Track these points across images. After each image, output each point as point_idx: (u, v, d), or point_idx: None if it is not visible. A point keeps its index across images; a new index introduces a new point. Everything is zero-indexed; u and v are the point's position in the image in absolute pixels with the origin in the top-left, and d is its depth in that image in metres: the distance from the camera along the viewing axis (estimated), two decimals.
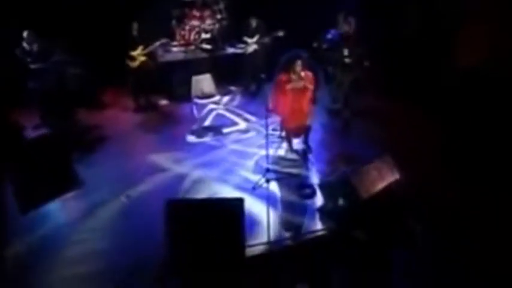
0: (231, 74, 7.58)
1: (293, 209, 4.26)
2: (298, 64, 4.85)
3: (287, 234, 3.92)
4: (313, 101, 5.19)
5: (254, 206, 4.27)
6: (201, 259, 3.44)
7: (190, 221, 3.40)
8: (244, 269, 3.48)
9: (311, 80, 4.96)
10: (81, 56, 6.50)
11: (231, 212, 3.43)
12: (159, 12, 7.05)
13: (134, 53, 6.55)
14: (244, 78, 7.48)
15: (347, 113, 6.20)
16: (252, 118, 6.36)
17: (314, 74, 5.06)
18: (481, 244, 3.79)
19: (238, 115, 6.53)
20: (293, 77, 4.91)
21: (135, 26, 6.43)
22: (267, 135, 4.41)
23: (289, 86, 4.91)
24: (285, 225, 4.04)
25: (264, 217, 4.02)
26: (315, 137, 5.52)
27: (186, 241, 3.42)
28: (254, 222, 4.04)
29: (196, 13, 7.78)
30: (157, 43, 6.73)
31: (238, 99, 7.21)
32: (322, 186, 4.28)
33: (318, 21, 6.67)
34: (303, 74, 4.88)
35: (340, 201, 4.04)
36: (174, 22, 7.72)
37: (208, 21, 7.85)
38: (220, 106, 6.75)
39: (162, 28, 7.18)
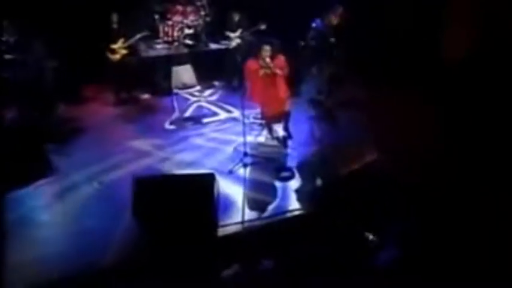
0: (214, 69, 7.55)
1: (270, 191, 4.19)
2: (266, 50, 4.83)
3: (262, 214, 3.84)
4: (290, 86, 5.16)
5: (230, 189, 4.20)
6: (172, 235, 3.36)
7: (159, 197, 3.32)
8: (216, 246, 3.40)
9: (282, 65, 4.94)
10: (60, 50, 6.43)
11: (202, 187, 3.36)
12: (140, 5, 7.02)
13: (115, 46, 6.52)
14: (227, 72, 7.46)
15: (330, 102, 6.20)
16: (233, 109, 6.32)
17: (287, 59, 5.04)
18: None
19: (219, 107, 6.48)
20: (262, 63, 4.89)
21: (114, 18, 6.40)
22: (243, 122, 4.37)
23: (259, 73, 4.89)
24: (261, 205, 3.96)
25: (240, 199, 3.94)
26: (298, 126, 5.48)
27: (156, 218, 3.34)
28: (229, 204, 3.98)
29: (180, 8, 7.78)
30: (138, 35, 6.69)
31: (220, 93, 7.17)
32: (300, 167, 4.24)
33: (303, 12, 6.67)
34: (268, 60, 4.84)
35: (318, 182, 3.99)
36: (157, 18, 7.70)
37: (192, 17, 7.86)
38: (202, 98, 6.71)
39: (144, 22, 7.13)
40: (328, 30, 6.15)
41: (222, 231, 3.49)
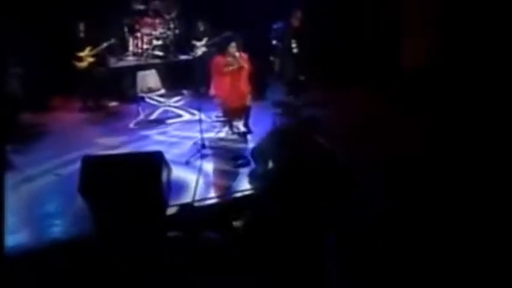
0: (183, 78, 7.77)
1: (224, 176, 4.30)
2: (232, 46, 5.11)
3: (213, 195, 3.94)
4: (251, 81, 5.39)
5: (185, 176, 4.30)
6: (120, 215, 3.41)
7: (106, 175, 3.40)
8: (165, 224, 3.46)
9: (246, 61, 5.20)
10: (27, 57, 6.57)
11: (149, 165, 3.46)
12: (107, 15, 7.26)
13: (82, 54, 6.70)
14: (194, 81, 7.67)
15: (297, 102, 6.43)
16: (198, 112, 6.47)
17: (250, 55, 5.30)
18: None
19: (184, 110, 6.64)
20: (228, 59, 5.14)
21: (81, 27, 6.61)
22: (199, 110, 4.53)
23: (226, 68, 5.13)
24: (213, 187, 4.07)
25: (193, 183, 4.05)
26: (260, 123, 5.61)
27: (103, 196, 3.40)
28: (182, 187, 4.06)
29: (148, 20, 8.07)
30: (105, 44, 6.89)
31: (187, 99, 7.35)
32: (253, 152, 4.38)
33: (268, 17, 7.00)
34: (237, 54, 5.10)
35: (270, 164, 4.11)
36: (126, 30, 7.96)
37: (160, 29, 8.14)
38: (168, 103, 6.86)
39: (111, 31, 7.35)
40: (289, 32, 6.44)
41: (171, 210, 3.54)
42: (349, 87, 7.09)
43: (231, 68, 5.13)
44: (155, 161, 3.44)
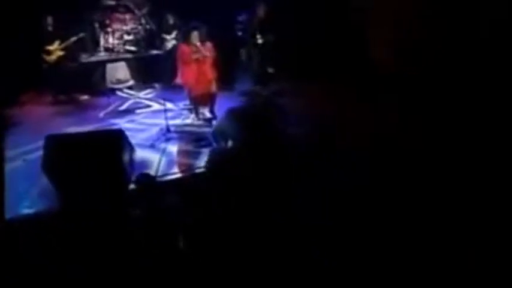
0: (153, 72, 7.97)
1: (186, 156, 4.56)
2: (195, 35, 5.38)
3: (175, 171, 4.19)
4: (216, 69, 5.66)
5: (150, 156, 4.54)
6: (83, 191, 3.61)
7: (69, 154, 3.59)
8: (126, 201, 3.67)
9: (210, 49, 5.48)
10: None
11: (110, 142, 3.67)
12: (77, 9, 7.41)
13: (50, 48, 6.84)
14: (165, 74, 7.89)
15: (264, 92, 6.71)
16: (167, 103, 6.70)
17: (215, 45, 5.58)
18: None
19: (154, 101, 6.85)
20: (192, 48, 5.39)
21: (49, 21, 6.76)
22: (164, 99, 4.77)
23: (191, 56, 5.40)
24: (175, 165, 4.32)
25: (156, 161, 4.28)
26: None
27: (67, 174, 3.59)
28: (146, 166, 4.30)
29: (119, 16, 8.25)
30: (75, 37, 7.06)
31: (158, 92, 7.57)
32: (214, 133, 4.63)
33: (233, 9, 7.27)
34: (198, 44, 5.37)
35: (229, 143, 4.37)
36: (96, 26, 8.12)
37: (131, 25, 8.33)
38: (137, 95, 7.07)
39: (81, 25, 7.51)
40: (254, 24, 6.74)
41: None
42: (316, 79, 7.41)
43: (194, 56, 5.40)
44: (115, 139, 3.66)
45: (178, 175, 4.12)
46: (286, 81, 7.34)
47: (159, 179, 3.97)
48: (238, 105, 4.56)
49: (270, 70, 7.33)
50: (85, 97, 7.42)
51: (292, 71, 7.70)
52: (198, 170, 4.19)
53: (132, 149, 4.08)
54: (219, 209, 3.63)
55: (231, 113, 4.32)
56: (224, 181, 3.88)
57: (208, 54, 5.49)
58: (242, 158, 4.09)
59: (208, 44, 5.54)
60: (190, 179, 4.05)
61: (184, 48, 5.53)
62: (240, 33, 7.07)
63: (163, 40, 7.75)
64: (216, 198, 3.74)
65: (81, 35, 7.19)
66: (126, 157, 3.79)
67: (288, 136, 4.49)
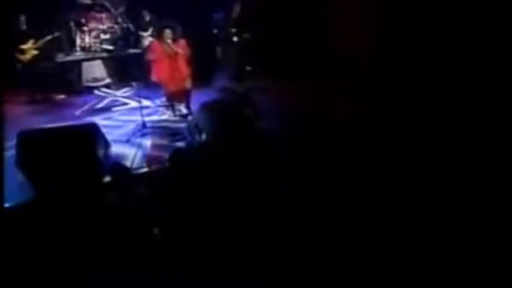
0: (131, 71, 8.02)
1: (161, 149, 4.66)
2: (167, 33, 5.51)
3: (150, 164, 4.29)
4: (191, 65, 5.77)
5: (126, 151, 4.64)
6: (58, 186, 3.68)
7: (42, 148, 3.65)
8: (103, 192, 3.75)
9: (183, 47, 5.60)
10: None
11: (84, 137, 3.75)
12: (51, 8, 7.42)
13: (24, 47, 6.84)
14: (143, 72, 7.95)
15: (240, 88, 6.84)
16: (144, 100, 6.78)
17: (189, 42, 5.71)
18: None
19: (131, 98, 6.92)
20: (165, 45, 5.51)
21: (22, 19, 6.75)
22: (140, 96, 4.85)
23: (163, 53, 5.50)
24: (150, 158, 4.42)
25: (132, 156, 4.37)
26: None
27: (40, 168, 3.65)
28: (122, 160, 4.38)
29: (95, 15, 8.27)
30: (49, 37, 7.06)
31: (135, 90, 7.62)
32: (188, 127, 4.74)
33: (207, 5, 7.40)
34: (169, 41, 5.49)
35: (203, 136, 4.49)
36: (72, 25, 8.12)
37: (108, 24, 8.36)
38: (115, 94, 7.12)
39: (57, 26, 7.52)
40: (229, 22, 6.88)
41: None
42: (291, 76, 7.58)
43: (166, 54, 5.52)
44: (89, 132, 3.74)
45: (152, 168, 4.21)
46: (263, 78, 7.51)
47: (133, 172, 4.06)
48: (211, 99, 4.65)
49: (248, 68, 7.49)
50: (61, 96, 7.43)
51: (269, 68, 7.89)
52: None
53: (107, 143, 4.17)
54: (190, 202, 3.73)
55: (204, 107, 4.45)
56: (194, 175, 3.99)
57: (180, 51, 5.61)
58: (212, 151, 4.22)
59: (182, 42, 5.67)
60: (162, 171, 4.14)
61: (156, 46, 5.67)
62: (215, 31, 7.19)
63: (140, 37, 7.81)
64: (186, 191, 3.85)
65: (56, 34, 7.20)
66: (100, 151, 3.88)
67: (259, 129, 4.65)
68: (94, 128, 3.80)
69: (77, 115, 6.17)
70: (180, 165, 3.66)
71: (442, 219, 3.15)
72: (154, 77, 5.82)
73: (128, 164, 4.20)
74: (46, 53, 7.23)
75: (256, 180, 3.99)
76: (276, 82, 7.46)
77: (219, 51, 7.28)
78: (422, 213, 3.22)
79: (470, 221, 3.12)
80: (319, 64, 7.76)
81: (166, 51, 5.55)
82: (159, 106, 6.19)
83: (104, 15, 8.41)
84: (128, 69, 7.98)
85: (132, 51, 8.21)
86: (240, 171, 4.08)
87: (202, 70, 7.12)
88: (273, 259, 2.89)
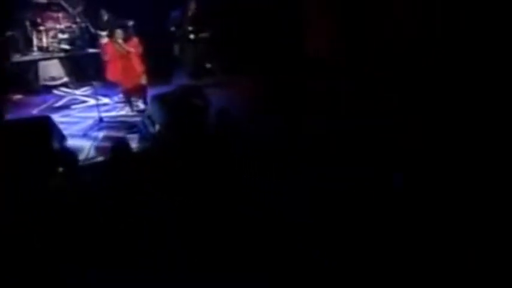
0: (90, 70, 8.21)
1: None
2: (118, 33, 5.83)
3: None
4: (144, 62, 6.09)
5: (82, 144, 4.91)
6: (13, 179, 3.91)
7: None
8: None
9: (135, 45, 5.93)
10: None
11: (37, 129, 4.00)
12: (4, 7, 7.51)
13: None
14: (101, 70, 8.15)
15: (198, 84, 7.17)
16: (103, 98, 7.02)
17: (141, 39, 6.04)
18: None
19: (90, 97, 7.13)
20: (116, 45, 5.83)
21: None
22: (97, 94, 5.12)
23: (114, 52, 5.82)
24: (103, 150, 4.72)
25: (87, 148, 4.65)
26: None
27: None
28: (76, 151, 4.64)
29: (52, 15, 8.40)
30: (2, 37, 7.17)
31: (95, 89, 7.82)
32: (142, 119, 5.06)
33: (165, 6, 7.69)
34: (120, 41, 5.82)
35: (157, 127, 4.82)
36: (28, 24, 8.22)
37: (65, 23, 8.50)
38: (74, 93, 7.31)
39: (12, 25, 7.61)
40: (185, 20, 7.22)
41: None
42: (252, 72, 7.95)
43: (119, 53, 5.83)
44: (42, 125, 3.99)
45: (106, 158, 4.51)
46: (223, 75, 7.87)
47: (88, 162, 4.35)
48: (161, 93, 4.99)
49: (208, 65, 7.85)
50: (18, 96, 7.54)
51: (228, 65, 8.24)
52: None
53: (62, 136, 4.42)
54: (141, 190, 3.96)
55: (155, 99, 4.78)
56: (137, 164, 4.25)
57: (132, 50, 5.93)
58: (164, 141, 4.55)
59: (134, 40, 6.02)
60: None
61: (108, 46, 5.98)
62: (172, 29, 7.50)
63: (98, 37, 8.01)
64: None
65: (9, 33, 7.31)
66: (55, 143, 4.14)
67: (210, 120, 5.00)
68: (47, 121, 4.05)
69: (34, 114, 6.34)
70: (122, 156, 3.93)
71: (442, 219, 3.16)
72: (108, 77, 6.13)
73: (83, 155, 4.48)
74: (1, 53, 7.33)
75: (208, 169, 4.24)
76: (235, 79, 7.86)
77: (177, 48, 7.59)
78: (423, 213, 3.23)
79: (470, 221, 3.11)
80: (280, 61, 8.18)
81: (118, 50, 5.88)
82: (118, 102, 6.46)
83: (60, 14, 8.54)
84: (86, 68, 8.19)
85: (90, 50, 8.42)
86: (191, 160, 4.39)
87: (162, 67, 7.44)
88: (273, 259, 2.90)
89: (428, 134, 4.68)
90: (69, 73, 7.52)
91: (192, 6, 7.30)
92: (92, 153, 4.63)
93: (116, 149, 3.87)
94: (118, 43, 5.90)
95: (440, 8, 6.17)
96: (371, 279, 2.74)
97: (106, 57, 6.07)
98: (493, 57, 5.45)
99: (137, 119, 5.77)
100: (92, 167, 4.25)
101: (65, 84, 7.37)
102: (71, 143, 4.81)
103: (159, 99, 4.79)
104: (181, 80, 7.46)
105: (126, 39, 5.98)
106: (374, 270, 2.78)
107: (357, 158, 4.10)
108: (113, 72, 6.04)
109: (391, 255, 2.88)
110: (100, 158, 4.46)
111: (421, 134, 4.67)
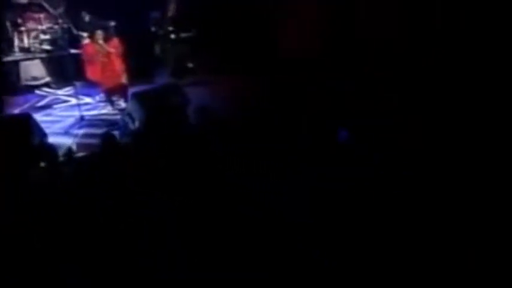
0: (73, 70, 8.37)
1: (96, 138, 5.18)
2: (98, 34, 6.05)
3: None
4: (125, 62, 6.32)
5: (63, 142, 5.13)
6: None
7: None
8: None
9: (116, 45, 6.18)
10: None
11: (17, 126, 4.20)
12: None
13: None
14: (82, 71, 8.33)
15: (180, 83, 7.41)
16: (85, 98, 7.21)
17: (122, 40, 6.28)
18: None
19: (72, 97, 7.31)
20: (96, 46, 6.05)
21: None
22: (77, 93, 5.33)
23: (94, 52, 6.05)
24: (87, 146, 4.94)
25: (68, 143, 4.87)
26: None
27: None
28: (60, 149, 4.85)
29: (33, 15, 8.54)
30: None
31: (78, 89, 8.01)
32: (122, 116, 5.28)
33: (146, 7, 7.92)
34: (101, 42, 6.06)
35: (136, 124, 5.05)
36: (8, 25, 8.35)
37: (47, 24, 8.65)
38: (56, 93, 7.49)
39: None
40: (165, 21, 7.47)
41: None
42: (233, 73, 8.18)
43: (99, 53, 6.05)
44: (22, 122, 4.20)
45: (87, 153, 4.74)
46: (206, 74, 8.11)
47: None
48: (139, 91, 5.23)
49: (189, 65, 8.09)
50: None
51: (210, 64, 8.48)
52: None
53: (43, 133, 4.63)
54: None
55: (135, 97, 5.01)
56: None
57: (113, 50, 6.17)
58: (143, 137, 4.79)
59: (115, 40, 6.25)
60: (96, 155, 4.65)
61: (87, 46, 6.22)
62: (153, 29, 7.73)
63: (80, 38, 8.19)
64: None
65: None
66: (35, 140, 4.34)
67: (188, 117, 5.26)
68: (27, 119, 4.26)
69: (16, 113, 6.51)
70: (110, 148, 4.18)
71: (442, 219, 3.18)
72: (89, 77, 6.35)
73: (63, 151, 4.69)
74: None
75: (187, 167, 4.26)
76: (216, 78, 8.10)
77: (158, 48, 7.82)
78: (423, 213, 3.26)
79: (470, 221, 3.12)
80: (261, 61, 8.44)
81: (99, 51, 6.10)
82: (99, 102, 6.67)
83: (42, 15, 8.68)
84: (68, 68, 8.35)
85: (72, 51, 8.59)
86: (169, 157, 4.58)
87: (144, 67, 7.65)
88: (273, 259, 2.92)
89: (428, 134, 4.74)
90: (51, 73, 7.69)
91: (172, 6, 7.55)
92: (73, 149, 4.84)
93: (105, 141, 4.05)
94: (99, 43, 6.13)
95: (440, 8, 6.29)
96: (371, 279, 2.76)
97: (86, 58, 6.28)
98: (493, 57, 5.57)
99: (118, 117, 6.00)
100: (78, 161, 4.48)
101: (47, 84, 7.55)
102: (52, 140, 5.01)
103: (138, 96, 5.02)
104: (163, 80, 7.70)
105: (106, 40, 6.22)
106: (374, 270, 2.81)
107: (356, 158, 4.16)
108: (93, 72, 6.27)
109: (391, 255, 2.90)
110: (81, 154, 4.69)
111: (421, 134, 4.73)
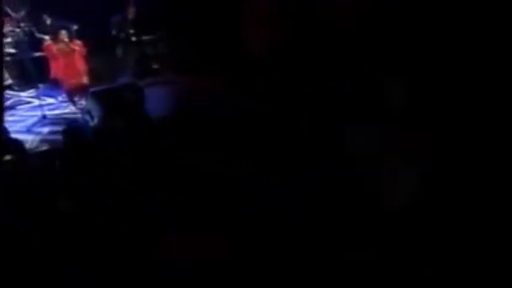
0: (36, 73, 8.76)
1: (56, 135, 5.66)
2: (62, 33, 6.55)
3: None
4: (87, 62, 6.83)
5: (25, 139, 5.60)
6: None
7: None
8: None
9: (79, 45, 6.64)
10: None
11: None
12: None
13: None
14: (45, 73, 8.72)
15: (141, 84, 7.93)
16: (48, 98, 7.64)
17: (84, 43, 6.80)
18: None
19: (35, 98, 7.73)
20: (60, 45, 6.55)
21: None
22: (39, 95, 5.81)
23: (56, 50, 6.53)
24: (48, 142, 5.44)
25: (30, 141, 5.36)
26: None
27: None
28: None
29: None
30: None
31: (41, 91, 8.41)
32: (82, 114, 5.79)
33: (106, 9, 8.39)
34: (66, 40, 6.55)
35: (95, 121, 5.58)
36: None
37: (9, 27, 8.99)
38: (19, 95, 7.90)
39: None
40: (126, 24, 8.00)
41: None
42: (200, 72, 8.66)
43: (62, 51, 6.54)
44: None
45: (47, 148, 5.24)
46: (169, 74, 8.61)
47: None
48: (97, 89, 5.76)
49: (154, 66, 8.62)
50: None
51: (175, 65, 8.98)
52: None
53: (5, 129, 5.10)
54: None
55: (93, 95, 5.54)
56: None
57: (76, 48, 6.67)
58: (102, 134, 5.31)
59: (77, 42, 6.73)
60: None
61: (49, 45, 6.73)
62: (114, 32, 8.23)
63: (42, 41, 8.60)
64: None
65: None
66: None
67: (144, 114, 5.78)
68: None
69: None
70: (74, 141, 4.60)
71: (442, 219, 3.18)
72: (52, 75, 6.82)
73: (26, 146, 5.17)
74: None
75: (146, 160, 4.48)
76: (182, 78, 8.60)
77: (120, 51, 8.32)
78: (423, 213, 3.22)
79: (470, 221, 3.13)
80: (225, 61, 8.95)
81: (62, 49, 6.60)
82: (62, 102, 7.15)
83: (3, 19, 9.03)
84: (31, 71, 8.74)
85: (35, 54, 8.98)
86: (127, 153, 4.99)
87: (106, 68, 8.13)
88: (273, 259, 2.96)
89: (428, 134, 4.62)
90: (14, 76, 8.08)
91: (131, 10, 8.09)
92: (35, 144, 5.34)
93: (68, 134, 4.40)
94: (63, 41, 6.63)
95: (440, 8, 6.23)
96: (371, 279, 2.80)
97: (49, 55, 6.77)
98: (493, 57, 5.52)
99: (78, 115, 6.50)
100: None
101: (9, 87, 7.92)
102: (17, 138, 5.46)
103: (95, 94, 5.55)
104: (125, 80, 8.18)
105: (70, 40, 6.72)
106: (374, 270, 2.84)
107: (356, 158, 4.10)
108: (56, 69, 6.76)
109: (391, 255, 2.92)
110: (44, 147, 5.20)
111: (421, 134, 4.72)
